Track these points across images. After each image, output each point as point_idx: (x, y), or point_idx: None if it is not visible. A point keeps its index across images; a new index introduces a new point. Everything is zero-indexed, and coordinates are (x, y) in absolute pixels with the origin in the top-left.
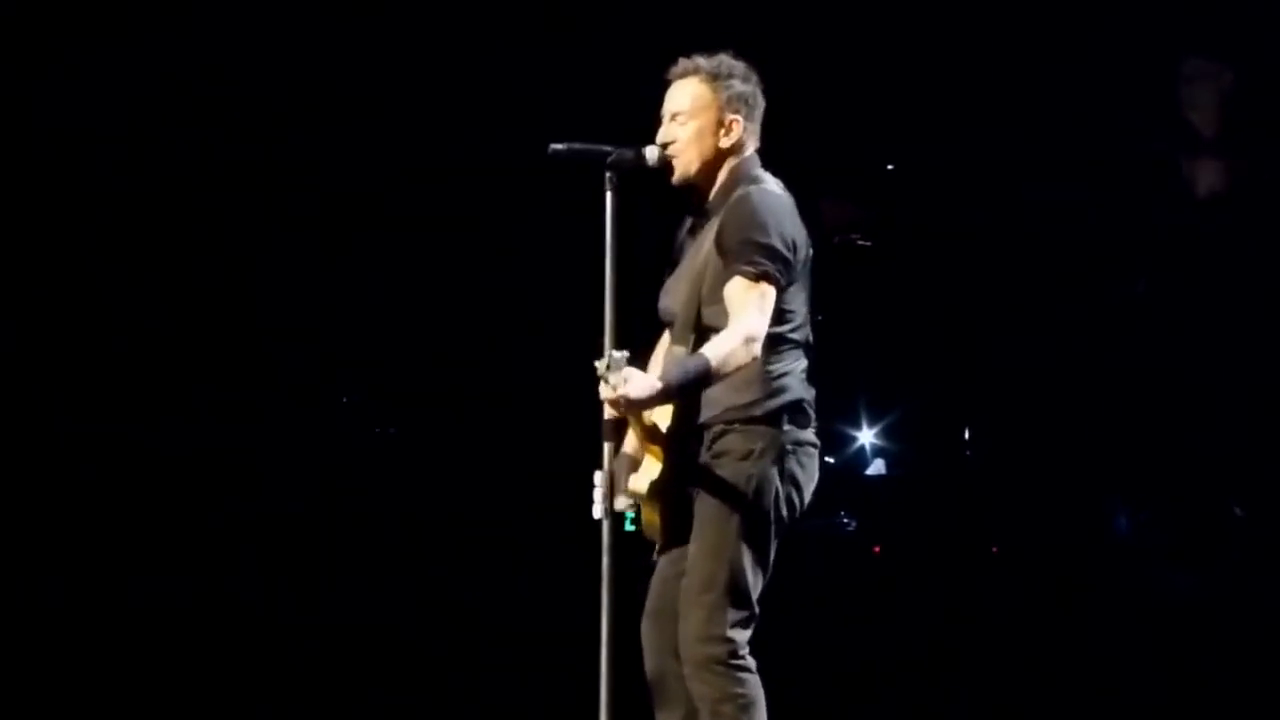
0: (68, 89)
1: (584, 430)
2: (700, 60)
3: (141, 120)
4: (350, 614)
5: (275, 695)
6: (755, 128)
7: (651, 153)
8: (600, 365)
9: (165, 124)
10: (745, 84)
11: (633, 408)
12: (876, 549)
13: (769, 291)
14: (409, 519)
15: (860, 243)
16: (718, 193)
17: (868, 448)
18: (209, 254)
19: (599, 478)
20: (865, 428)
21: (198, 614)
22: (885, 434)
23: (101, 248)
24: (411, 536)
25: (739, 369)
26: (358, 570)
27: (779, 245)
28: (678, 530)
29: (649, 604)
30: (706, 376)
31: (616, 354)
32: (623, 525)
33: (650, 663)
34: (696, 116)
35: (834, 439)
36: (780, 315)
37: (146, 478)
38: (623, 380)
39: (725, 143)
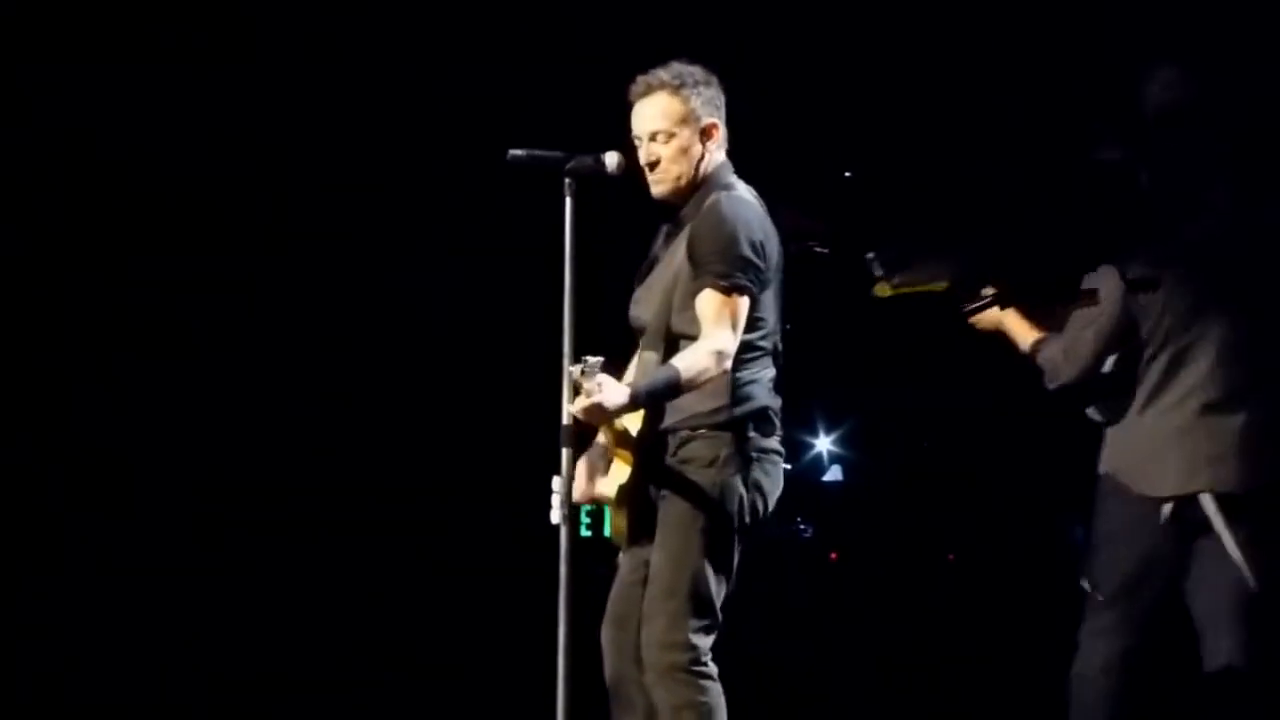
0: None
1: (542, 435)
2: (660, 74)
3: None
4: (304, 620)
5: (236, 700)
6: (723, 129)
7: (611, 159)
8: (575, 370)
9: (134, 130)
10: (709, 86)
11: (602, 415)
12: (833, 555)
13: (741, 304)
14: (364, 524)
15: (818, 250)
16: (691, 201)
17: (825, 454)
18: (167, 255)
19: (557, 483)
20: (822, 435)
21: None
22: (842, 441)
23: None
24: (366, 541)
25: (708, 382)
26: (310, 575)
27: (749, 253)
28: (640, 535)
29: (609, 609)
30: (675, 387)
31: (591, 359)
32: (579, 530)
33: (609, 668)
34: (677, 132)
35: (791, 446)
36: (751, 322)
37: (125, 457)
38: (597, 386)
39: (712, 147)
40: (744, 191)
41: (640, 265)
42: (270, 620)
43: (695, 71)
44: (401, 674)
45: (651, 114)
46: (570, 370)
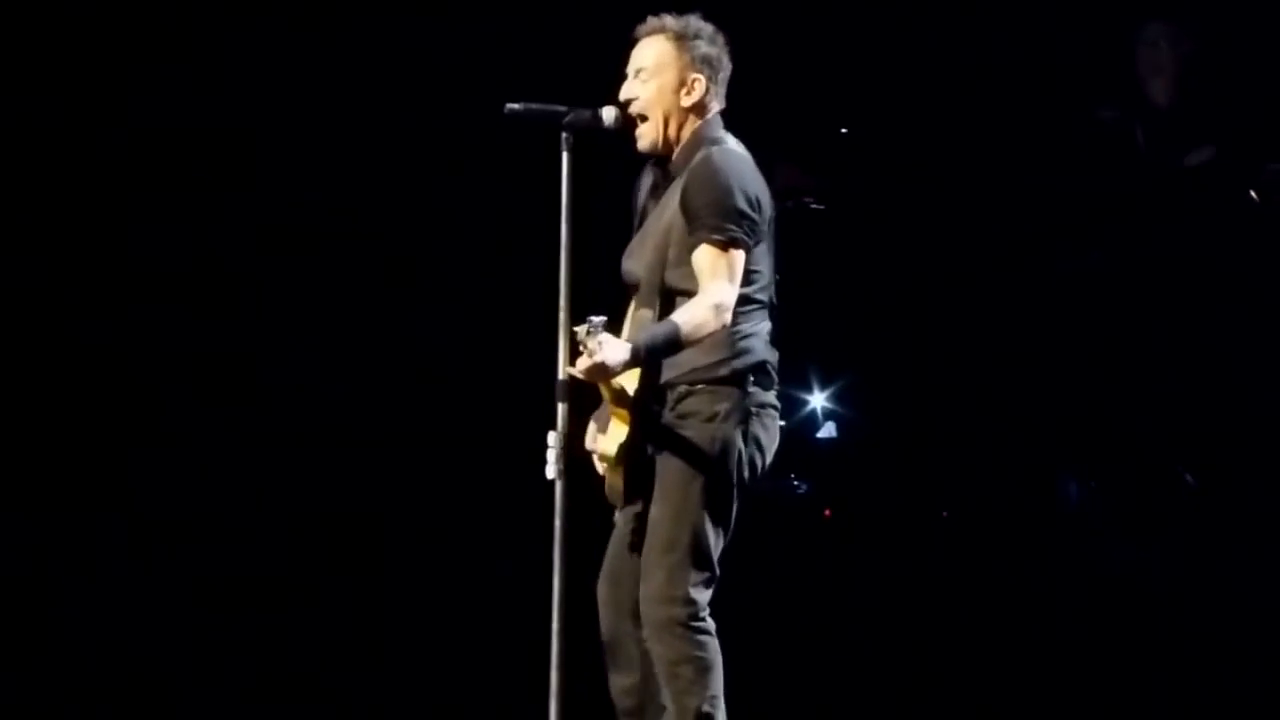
0: None
1: (537, 390)
2: (668, 19)
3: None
4: (299, 577)
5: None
6: (719, 90)
7: (609, 113)
8: (581, 331)
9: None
10: (711, 45)
11: (604, 374)
12: (827, 512)
13: (738, 258)
14: (359, 483)
15: (813, 206)
16: (680, 154)
17: (819, 411)
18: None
19: (552, 438)
20: (817, 391)
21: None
22: (837, 397)
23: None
24: (363, 499)
25: (708, 336)
26: (304, 534)
27: (744, 206)
28: (637, 490)
29: (605, 565)
30: (676, 343)
31: (595, 319)
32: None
33: (606, 624)
34: (658, 74)
35: (785, 402)
36: (746, 275)
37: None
38: (598, 346)
39: (686, 102)
40: (734, 145)
41: (627, 217)
42: (258, 576)
43: (704, 27)
44: (394, 630)
45: (644, 53)
46: (574, 331)
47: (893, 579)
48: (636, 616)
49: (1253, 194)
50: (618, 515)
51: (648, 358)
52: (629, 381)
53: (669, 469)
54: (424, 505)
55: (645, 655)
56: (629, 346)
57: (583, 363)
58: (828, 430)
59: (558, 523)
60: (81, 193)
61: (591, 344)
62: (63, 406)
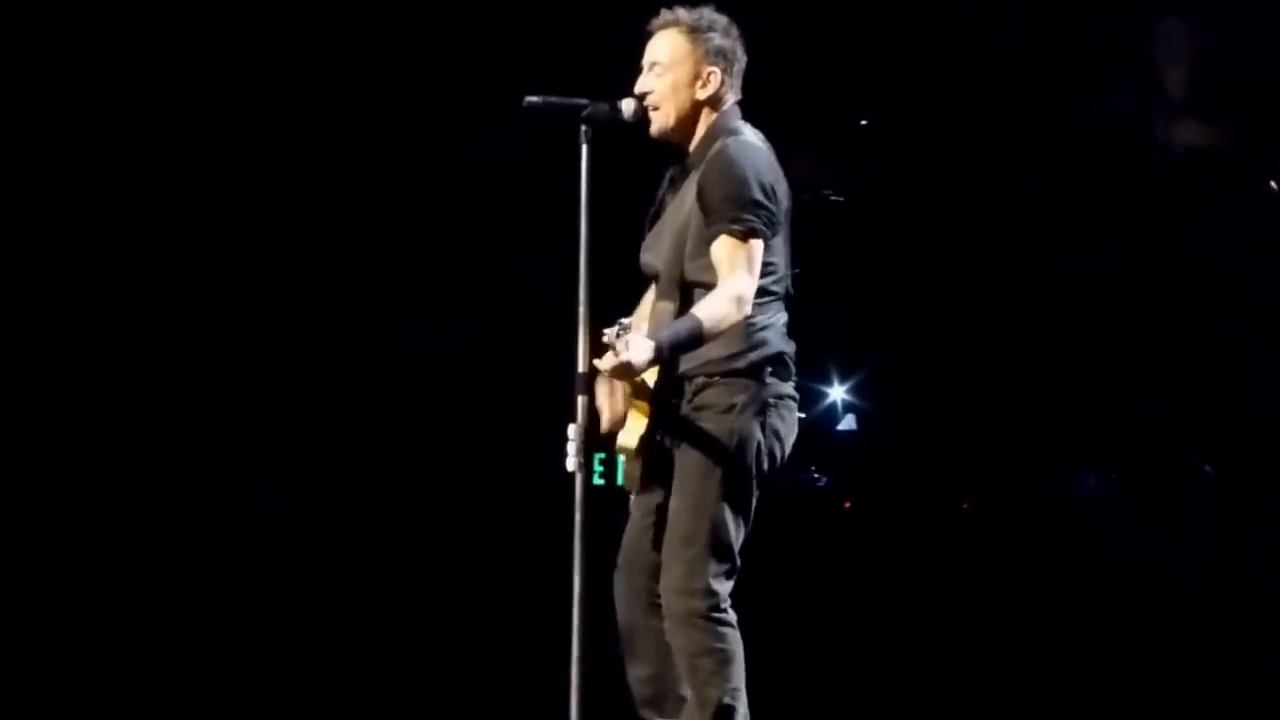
0: None
1: (557, 383)
2: (681, 12)
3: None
4: (317, 568)
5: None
6: (735, 82)
7: (627, 106)
8: (610, 333)
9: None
10: (725, 38)
11: (629, 373)
12: (847, 505)
13: (757, 248)
14: (381, 477)
15: (833, 198)
16: (697, 146)
17: (839, 404)
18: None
19: (572, 431)
20: (837, 384)
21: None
22: (857, 390)
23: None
24: (384, 492)
25: (730, 328)
26: (315, 524)
27: (760, 196)
28: (653, 480)
29: (621, 555)
30: (698, 337)
31: (625, 321)
32: (592, 478)
33: (622, 614)
34: (674, 68)
35: (806, 395)
36: (762, 267)
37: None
38: (625, 346)
39: (702, 95)
40: (751, 136)
41: (647, 210)
42: (274, 567)
43: (717, 20)
44: (414, 622)
45: (658, 47)
46: (604, 332)
47: (913, 571)
48: (652, 607)
49: (1273, 185)
50: (633, 501)
51: (671, 354)
52: (648, 374)
53: (687, 461)
54: (445, 498)
55: (663, 645)
56: (653, 345)
57: (608, 360)
58: (848, 423)
59: (577, 515)
60: (83, 193)
61: (620, 345)
62: (60, 407)
